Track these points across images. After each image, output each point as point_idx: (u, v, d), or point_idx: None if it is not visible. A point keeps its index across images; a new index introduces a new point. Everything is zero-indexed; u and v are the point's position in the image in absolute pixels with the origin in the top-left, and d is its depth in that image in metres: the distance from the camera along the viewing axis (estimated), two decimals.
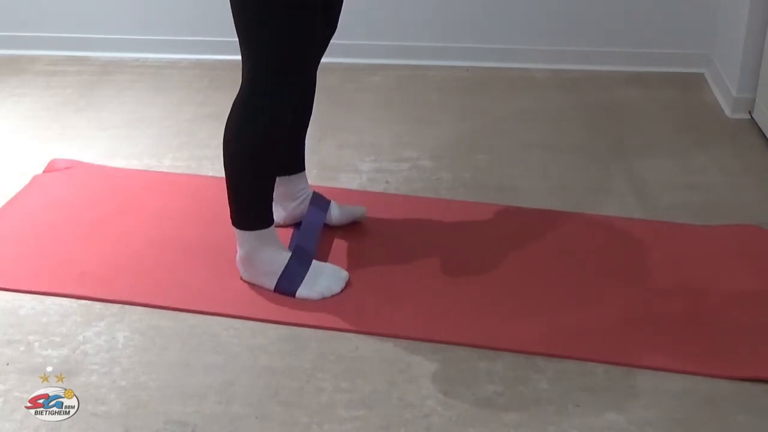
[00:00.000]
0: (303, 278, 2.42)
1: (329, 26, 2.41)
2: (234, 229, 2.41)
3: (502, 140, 3.33)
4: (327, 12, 2.33)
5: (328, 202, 2.70)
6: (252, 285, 2.46)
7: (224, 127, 2.33)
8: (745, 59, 3.43)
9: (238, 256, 2.45)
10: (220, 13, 3.92)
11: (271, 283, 2.43)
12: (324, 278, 2.43)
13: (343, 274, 2.46)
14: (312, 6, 2.19)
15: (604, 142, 3.32)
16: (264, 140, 2.29)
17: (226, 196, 2.39)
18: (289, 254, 2.45)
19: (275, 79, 2.24)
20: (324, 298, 2.41)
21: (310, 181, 2.84)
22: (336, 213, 2.70)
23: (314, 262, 2.47)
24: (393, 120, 3.48)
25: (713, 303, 2.43)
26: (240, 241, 2.42)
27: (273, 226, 2.42)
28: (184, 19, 3.97)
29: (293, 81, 2.28)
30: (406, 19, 3.91)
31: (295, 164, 2.63)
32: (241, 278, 2.47)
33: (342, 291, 2.43)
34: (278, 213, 2.61)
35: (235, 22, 2.23)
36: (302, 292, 2.41)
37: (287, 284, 2.42)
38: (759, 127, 3.38)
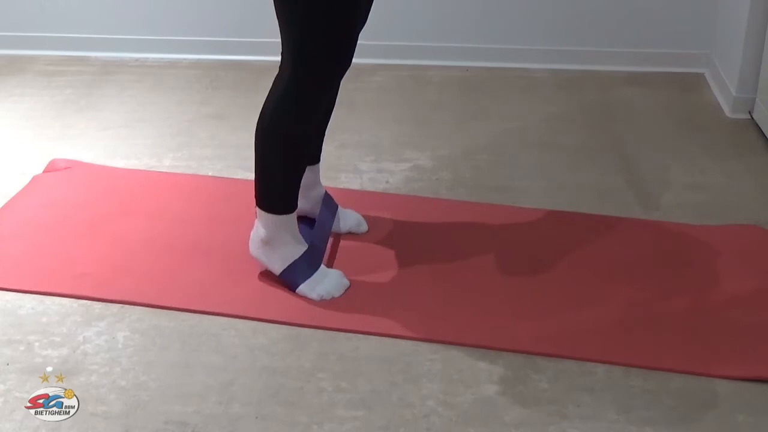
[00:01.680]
0: (308, 277, 2.42)
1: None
2: (257, 209, 2.42)
3: (502, 140, 3.33)
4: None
5: (337, 207, 2.71)
6: (252, 284, 2.46)
7: (259, 112, 2.34)
8: (745, 59, 3.43)
9: (254, 234, 2.45)
10: (221, 13, 3.95)
11: (278, 268, 2.43)
12: (327, 282, 2.44)
13: (346, 282, 2.47)
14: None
15: (604, 142, 3.32)
16: (304, 129, 2.32)
17: (254, 177, 2.40)
18: (305, 248, 2.45)
19: (320, 66, 2.25)
20: (323, 300, 2.41)
21: None
22: (343, 222, 2.70)
23: (322, 266, 2.47)
24: (393, 120, 3.48)
25: (713, 303, 2.43)
26: (262, 221, 2.42)
27: (295, 212, 2.43)
28: (184, 19, 3.97)
29: (336, 72, 2.30)
30: (406, 19, 3.91)
31: (316, 155, 2.64)
32: (250, 253, 2.47)
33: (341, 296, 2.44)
34: None
35: (278, 13, 2.24)
36: (303, 289, 2.42)
37: (292, 276, 2.43)
38: (759, 127, 3.38)
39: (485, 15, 3.90)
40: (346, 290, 2.45)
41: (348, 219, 2.72)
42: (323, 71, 2.27)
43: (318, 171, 2.68)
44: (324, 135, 2.66)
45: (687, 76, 3.85)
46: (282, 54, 2.30)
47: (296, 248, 2.44)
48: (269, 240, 2.43)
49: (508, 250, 2.65)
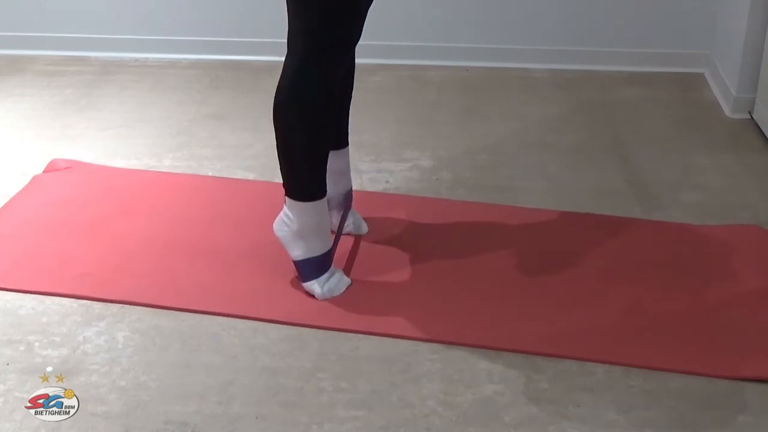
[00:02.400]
0: (321, 274, 2.42)
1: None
2: (286, 198, 2.39)
3: (502, 140, 3.33)
4: None
5: (350, 207, 2.69)
6: (252, 284, 2.46)
7: (273, 101, 2.32)
8: (745, 59, 3.43)
9: (281, 216, 2.41)
10: (221, 13, 3.95)
11: (297, 256, 2.41)
12: (332, 281, 2.44)
13: (347, 280, 2.48)
14: None
15: (604, 141, 3.32)
16: (322, 100, 2.30)
17: (279, 169, 2.37)
18: (329, 246, 2.44)
19: (330, 42, 2.26)
20: (324, 299, 2.41)
21: None
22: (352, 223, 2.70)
23: (337, 272, 2.48)
24: (393, 120, 3.48)
25: (713, 303, 2.43)
26: (290, 208, 2.38)
27: (325, 198, 2.40)
28: (184, 19, 3.97)
29: (346, 43, 2.31)
30: (405, 19, 3.91)
31: (342, 138, 2.60)
32: (274, 231, 2.43)
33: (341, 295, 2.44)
34: None
35: None
36: (313, 285, 2.42)
37: (308, 268, 2.42)
38: (759, 127, 3.38)
39: (485, 15, 3.90)
40: (347, 288, 2.45)
41: (354, 222, 2.72)
42: (330, 48, 2.27)
43: (347, 156, 2.62)
44: (348, 116, 2.61)
45: (687, 76, 3.85)
46: (289, 34, 2.30)
47: (323, 244, 2.42)
48: (299, 229, 2.39)
49: (508, 250, 2.65)
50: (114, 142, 3.28)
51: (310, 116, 2.31)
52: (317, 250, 2.41)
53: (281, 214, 2.43)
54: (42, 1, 3.94)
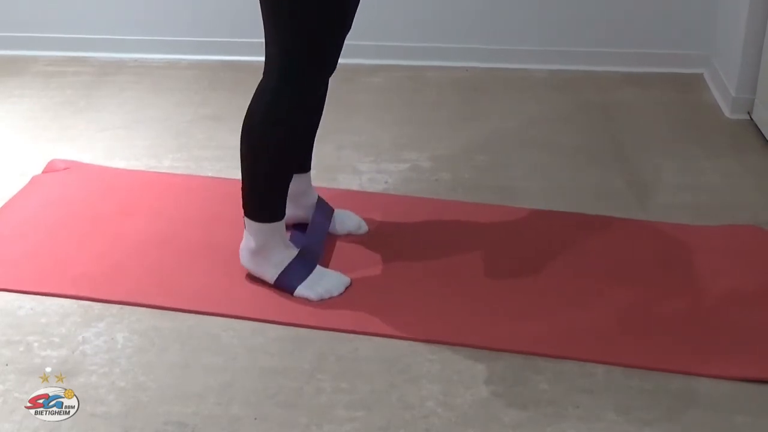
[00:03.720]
0: (304, 278, 2.42)
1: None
2: (245, 219, 2.41)
3: (501, 141, 3.33)
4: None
5: (332, 210, 2.70)
6: (251, 284, 2.46)
7: (244, 118, 2.33)
8: (744, 60, 3.43)
9: (243, 244, 2.44)
10: (220, 14, 3.95)
11: (272, 276, 2.43)
12: (325, 281, 2.43)
13: (346, 279, 2.47)
14: None
15: (603, 142, 3.32)
16: (289, 132, 2.31)
17: (240, 187, 2.39)
18: (296, 252, 2.45)
19: (308, 68, 2.25)
20: (323, 300, 2.41)
21: None
22: (342, 224, 2.70)
23: (318, 266, 2.47)
24: (392, 121, 3.48)
25: (712, 303, 2.43)
26: (251, 231, 2.41)
27: (283, 220, 2.42)
28: (183, 20, 3.97)
29: (321, 74, 2.30)
30: (404, 19, 3.91)
31: (307, 163, 2.63)
32: (242, 265, 2.46)
33: (341, 295, 2.44)
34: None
35: (264, 15, 2.24)
36: (301, 290, 2.41)
37: (288, 280, 2.42)
38: (758, 128, 3.38)
39: (484, 15, 3.90)
40: (347, 288, 2.45)
41: (347, 221, 2.71)
42: (309, 74, 2.26)
43: (309, 179, 2.66)
44: (313, 143, 2.63)
45: (686, 77, 3.85)
46: (266, 57, 2.30)
47: (287, 252, 2.43)
48: (259, 249, 2.41)
49: (507, 250, 2.65)
50: (113, 143, 3.28)
51: (283, 145, 2.31)
52: (284, 260, 2.42)
53: (242, 245, 2.45)
54: None
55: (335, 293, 2.43)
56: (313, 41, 2.22)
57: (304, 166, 2.62)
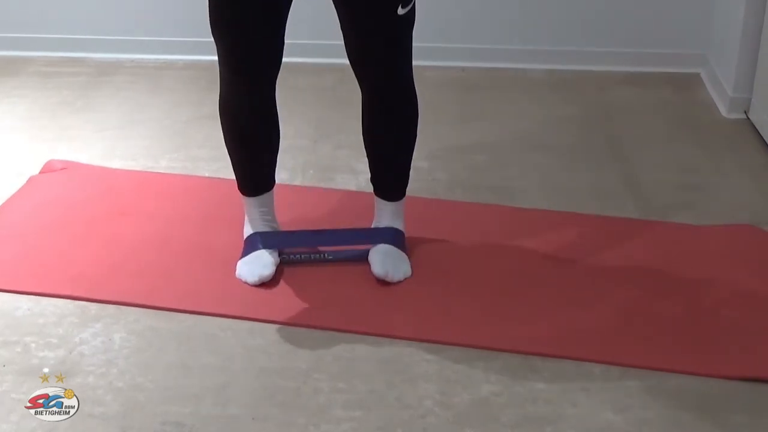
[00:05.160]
0: (245, 255, 2.50)
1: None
2: None
3: (499, 141, 3.33)
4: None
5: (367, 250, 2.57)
6: (248, 285, 2.46)
7: None
8: (741, 59, 3.44)
9: None
10: None
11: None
12: (251, 263, 2.48)
13: (265, 273, 2.45)
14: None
15: (601, 142, 3.33)
16: (234, 120, 2.46)
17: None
18: (251, 232, 2.54)
19: (220, 66, 2.43)
20: (246, 280, 2.46)
21: (306, 182, 2.82)
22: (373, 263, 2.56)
23: (260, 250, 2.48)
24: None
25: (710, 303, 2.43)
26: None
27: (256, 198, 2.53)
28: (180, 20, 3.96)
29: (227, 69, 2.41)
30: None
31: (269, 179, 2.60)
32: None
33: (255, 284, 2.46)
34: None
35: None
36: (237, 263, 2.51)
37: (244, 249, 2.54)
38: (755, 127, 3.38)
39: (481, 15, 3.90)
40: (260, 280, 2.45)
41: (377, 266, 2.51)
42: (221, 72, 2.42)
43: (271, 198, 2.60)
44: (275, 159, 2.57)
45: (683, 76, 3.85)
46: None
47: (247, 228, 2.56)
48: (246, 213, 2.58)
49: (504, 250, 2.65)
50: (110, 143, 3.27)
51: (229, 131, 2.48)
52: (246, 232, 2.56)
53: None
54: None
55: (248, 279, 2.46)
56: (215, 38, 2.43)
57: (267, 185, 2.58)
